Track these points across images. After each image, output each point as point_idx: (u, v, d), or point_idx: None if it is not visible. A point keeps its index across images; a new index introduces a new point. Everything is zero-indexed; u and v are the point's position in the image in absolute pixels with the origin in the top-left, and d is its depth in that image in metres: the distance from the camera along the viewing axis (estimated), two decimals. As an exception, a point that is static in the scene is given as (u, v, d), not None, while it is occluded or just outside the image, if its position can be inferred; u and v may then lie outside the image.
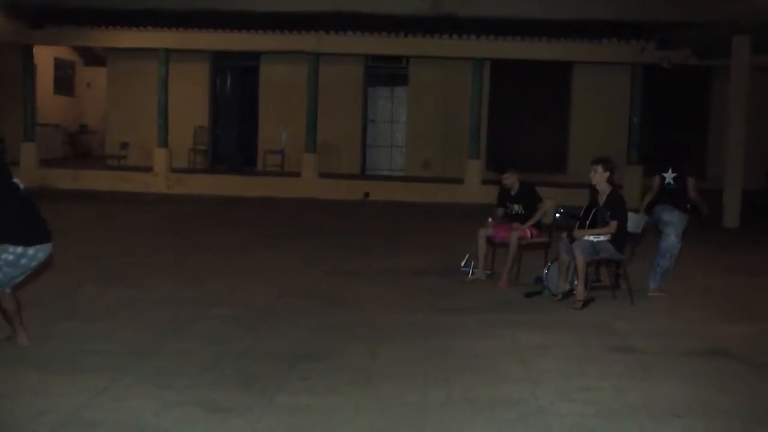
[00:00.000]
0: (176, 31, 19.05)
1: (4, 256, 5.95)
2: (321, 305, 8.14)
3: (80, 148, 24.86)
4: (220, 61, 21.64)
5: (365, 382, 5.72)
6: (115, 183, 19.33)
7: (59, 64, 24.98)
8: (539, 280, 9.01)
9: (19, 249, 5.97)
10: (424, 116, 20.98)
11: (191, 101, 21.00)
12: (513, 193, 9.66)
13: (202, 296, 8.37)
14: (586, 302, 8.27)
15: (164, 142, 19.48)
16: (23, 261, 6.02)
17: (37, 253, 6.09)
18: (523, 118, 20.72)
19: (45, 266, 9.46)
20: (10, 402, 5.15)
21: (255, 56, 21.01)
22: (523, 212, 9.53)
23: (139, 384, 5.51)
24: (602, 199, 8.53)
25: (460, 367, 6.17)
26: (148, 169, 19.60)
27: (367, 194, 18.83)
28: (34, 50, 20.09)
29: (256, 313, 7.71)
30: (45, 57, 23.01)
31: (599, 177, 8.55)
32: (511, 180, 9.66)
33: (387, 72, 21.76)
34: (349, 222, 15.25)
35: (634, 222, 8.92)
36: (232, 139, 22.18)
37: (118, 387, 5.44)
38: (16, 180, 6.13)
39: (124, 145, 21.15)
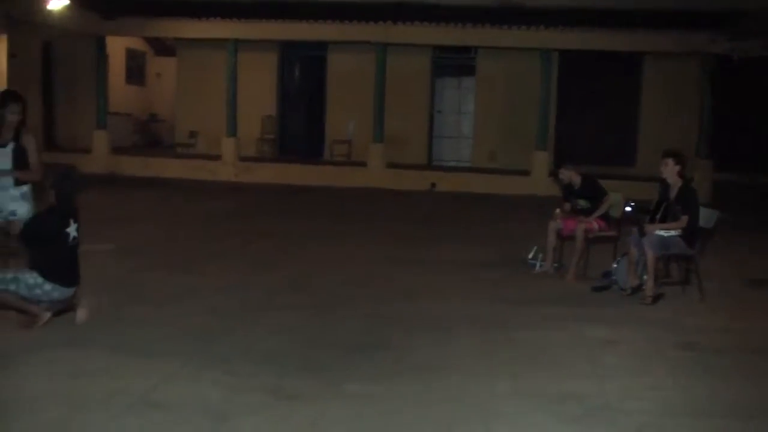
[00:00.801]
0: (245, 21, 19.22)
1: (28, 275, 6.34)
2: (386, 294, 8.15)
3: (150, 136, 25.25)
4: (288, 50, 21.77)
5: (432, 373, 5.71)
6: (184, 171, 19.61)
7: (131, 55, 25.40)
8: (607, 274, 8.88)
9: (40, 280, 6.35)
10: (492, 107, 20.85)
11: (259, 91, 21.19)
12: (576, 188, 9.53)
13: (268, 283, 8.46)
14: (656, 298, 8.13)
15: (233, 132, 19.70)
16: (37, 291, 6.37)
17: (52, 291, 6.43)
18: (592, 109, 20.48)
19: (117, 251, 9.69)
20: (83, 382, 5.25)
21: (323, 46, 21.10)
22: (588, 206, 9.40)
23: (206, 369, 5.59)
24: (673, 193, 8.37)
25: (526, 361, 6.13)
26: (217, 158, 19.83)
27: (433, 185, 18.78)
28: (106, 41, 20.46)
29: (321, 301, 7.76)
30: (117, 48, 23.41)
31: (670, 170, 8.39)
32: (567, 176, 9.53)
33: (454, 63, 21.65)
34: (415, 212, 15.24)
35: (706, 217, 8.74)
36: (299, 128, 22.31)
37: (186, 371, 5.53)
38: (70, 230, 6.47)
39: (193, 134, 21.46)
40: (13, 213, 6.86)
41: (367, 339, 6.51)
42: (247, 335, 6.49)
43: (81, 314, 6.58)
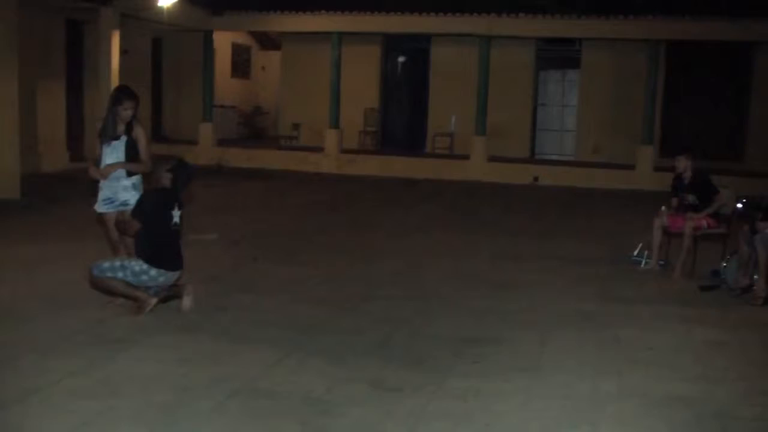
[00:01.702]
0: (349, 14, 19.37)
1: (134, 263, 6.55)
2: (488, 289, 8.10)
3: (254, 128, 25.66)
4: (391, 43, 21.84)
5: (535, 370, 5.65)
6: (287, 163, 19.89)
7: (236, 49, 25.86)
8: (716, 273, 8.61)
9: (145, 266, 6.54)
10: (596, 100, 20.47)
11: (362, 83, 21.32)
12: (686, 181, 9.26)
13: (371, 275, 8.52)
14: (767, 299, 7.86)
15: (335, 124, 19.88)
16: (144, 277, 6.58)
17: (158, 276, 6.63)
18: (700, 102, 19.85)
19: (222, 241, 9.89)
20: (189, 367, 5.38)
21: (426, 39, 21.09)
22: (697, 203, 9.13)
23: (310, 359, 5.65)
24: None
25: (631, 360, 5.99)
26: (319, 150, 20.05)
27: (536, 178, 18.60)
28: (214, 36, 20.90)
29: (424, 295, 7.76)
30: (224, 42, 23.87)
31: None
32: (683, 164, 9.24)
33: (559, 55, 21.35)
34: (518, 206, 15.11)
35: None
36: (401, 121, 22.36)
37: (290, 360, 5.60)
38: (174, 213, 6.68)
39: (296, 126, 21.75)
40: (125, 203, 7.08)
41: (470, 333, 6.48)
42: (350, 326, 6.54)
43: (186, 302, 6.76)
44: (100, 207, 7.24)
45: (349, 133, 20.45)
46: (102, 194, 7.20)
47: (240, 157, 20.25)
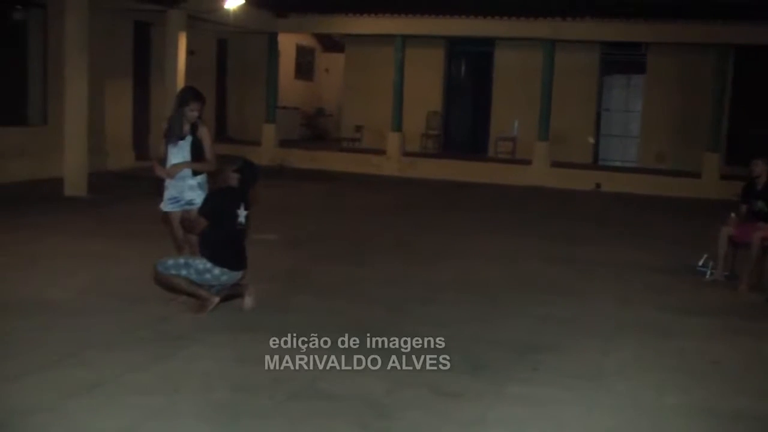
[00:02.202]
0: (412, 17, 19.35)
1: (198, 261, 6.64)
2: (548, 294, 8.02)
3: (317, 130, 25.82)
4: (454, 46, 21.77)
5: (596, 379, 5.57)
6: (349, 165, 19.95)
7: (300, 51, 26.06)
8: (785, 285, 8.41)
9: (209, 264, 6.62)
10: (661, 106, 20.13)
11: (425, 87, 21.29)
12: (759, 187, 9.03)
13: (430, 278, 8.50)
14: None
15: (398, 127, 19.90)
16: (207, 276, 6.65)
17: (221, 275, 6.69)
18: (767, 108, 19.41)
19: (284, 242, 9.96)
20: (250, 367, 5.41)
21: (490, 42, 20.98)
22: (766, 210, 8.90)
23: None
24: None
25: (697, 373, 5.87)
26: (381, 152, 20.08)
27: (598, 185, 18.37)
28: (278, 37, 21.06)
29: (484, 299, 7.72)
30: (288, 44, 24.07)
31: None
32: (760, 169, 8.99)
33: (624, 59, 21.05)
34: (579, 212, 14.96)
35: None
36: (464, 124, 22.29)
37: (350, 362, 5.58)
38: (240, 212, 6.73)
39: (359, 129, 21.83)
40: (191, 202, 7.16)
41: (529, 339, 6.43)
42: (410, 329, 6.51)
43: (249, 301, 6.82)
44: (165, 206, 7.34)
45: (411, 136, 20.46)
46: (168, 193, 7.30)
47: (302, 159, 20.38)
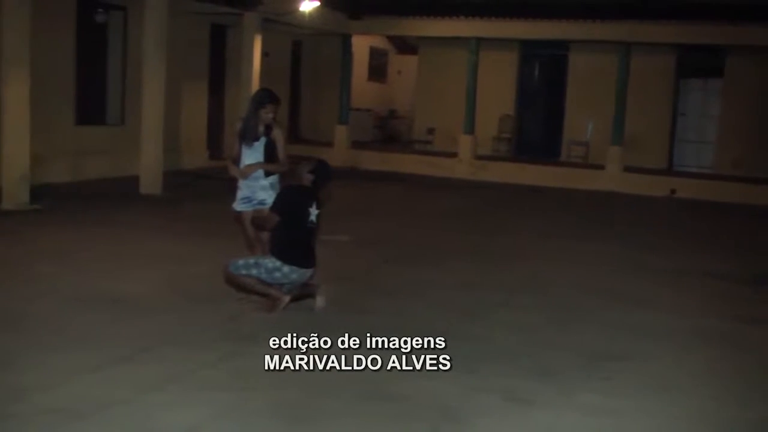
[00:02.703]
0: (487, 20, 19.25)
1: (268, 260, 6.67)
2: (621, 301, 7.89)
3: (389, 132, 25.86)
4: (528, 49, 21.60)
5: (669, 391, 5.45)
6: (421, 167, 19.93)
7: (373, 53, 26.15)
8: None
9: (278, 263, 6.65)
10: (740, 111, 19.66)
11: (498, 89, 21.18)
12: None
13: (503, 282, 8.45)
14: None
15: (470, 130, 19.80)
16: (277, 274, 6.68)
17: (291, 273, 6.71)
18: None
19: (355, 243, 9.99)
20: (320, 367, 5.39)
21: (564, 45, 20.77)
22: None
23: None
24: None
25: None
26: (453, 155, 20.02)
27: (673, 191, 18.02)
28: (352, 39, 21.17)
29: (555, 305, 7.64)
30: (361, 46, 24.16)
31: None
32: None
33: (701, 63, 20.62)
34: (653, 218, 14.72)
35: None
36: (536, 128, 22.10)
37: (421, 365, 5.56)
38: (312, 211, 6.78)
39: (431, 131, 21.80)
40: (262, 202, 7.23)
41: (601, 347, 6.33)
42: (482, 333, 6.48)
43: (320, 301, 6.86)
44: (238, 206, 7.43)
45: (483, 138, 20.35)
46: (241, 193, 7.38)
47: (373, 160, 20.44)
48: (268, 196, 7.22)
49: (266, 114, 7.16)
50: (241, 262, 6.71)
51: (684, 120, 20.81)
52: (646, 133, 19.85)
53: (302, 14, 16.86)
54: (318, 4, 16.79)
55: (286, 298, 6.73)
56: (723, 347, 6.61)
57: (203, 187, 14.57)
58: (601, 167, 18.97)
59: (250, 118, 7.23)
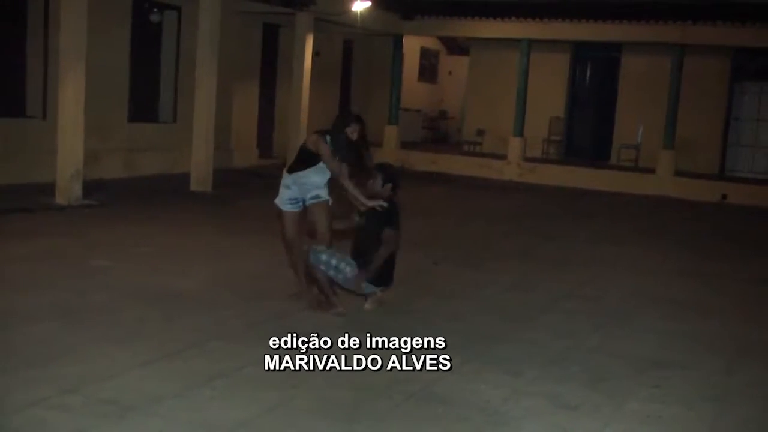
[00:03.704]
0: (539, 21, 19.18)
1: (349, 269, 6.69)
2: (672, 308, 7.81)
3: (438, 132, 25.87)
4: (580, 51, 21.46)
5: (721, 400, 5.38)
6: (470, 168, 19.91)
7: (424, 53, 26.17)
8: None
9: (364, 284, 6.77)
10: (796, 116, 19.34)
11: (549, 92, 21.07)
12: None
13: (552, 286, 8.41)
14: None
15: (520, 132, 19.72)
16: (350, 285, 6.80)
17: (366, 288, 6.82)
18: None
19: (405, 244, 9.99)
20: (368, 367, 5.42)
21: (616, 47, 20.58)
22: None
23: (488, 368, 5.61)
24: None
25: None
26: (502, 157, 19.95)
27: (724, 196, 17.75)
28: (403, 40, 21.19)
29: (605, 310, 7.58)
30: (412, 46, 24.22)
31: None
32: None
33: (757, 66, 20.25)
34: (704, 223, 14.52)
35: None
36: (586, 131, 21.92)
37: (468, 368, 5.58)
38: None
39: (480, 132, 21.75)
40: (316, 196, 7.10)
41: (651, 354, 6.26)
42: (530, 337, 6.46)
43: (370, 302, 6.88)
44: (283, 205, 7.16)
45: (532, 141, 20.25)
46: (288, 193, 7.11)
47: (423, 161, 20.45)
48: (323, 192, 7.14)
49: (352, 134, 7.10)
50: (324, 257, 6.65)
51: (737, 124, 20.47)
52: (698, 137, 19.59)
53: (354, 14, 16.92)
54: (370, 4, 16.84)
55: (344, 312, 6.70)
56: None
57: (253, 186, 14.68)
58: (651, 171, 18.77)
59: (337, 138, 6.97)
